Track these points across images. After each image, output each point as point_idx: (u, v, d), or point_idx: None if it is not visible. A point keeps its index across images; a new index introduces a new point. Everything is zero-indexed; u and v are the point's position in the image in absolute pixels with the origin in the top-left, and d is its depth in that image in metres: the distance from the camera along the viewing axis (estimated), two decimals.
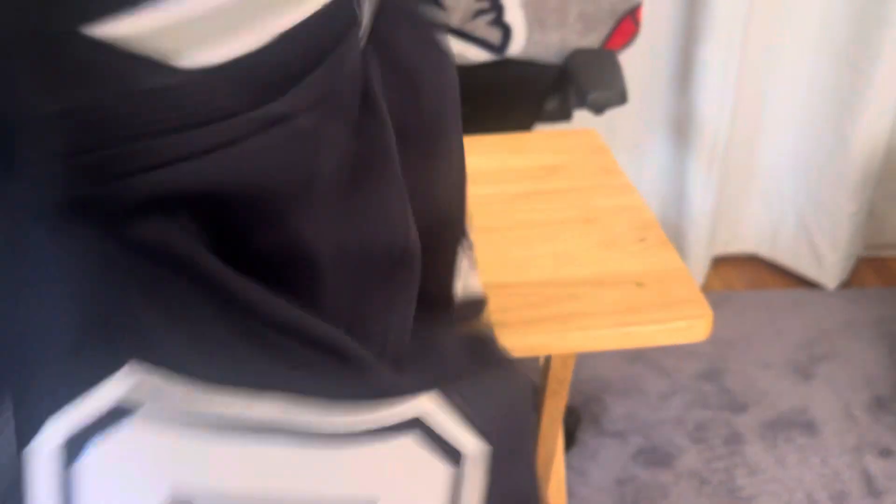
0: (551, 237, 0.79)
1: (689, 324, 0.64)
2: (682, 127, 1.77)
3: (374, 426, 0.37)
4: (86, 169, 0.31)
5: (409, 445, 0.38)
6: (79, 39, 0.29)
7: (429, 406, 0.39)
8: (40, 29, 0.28)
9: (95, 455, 0.31)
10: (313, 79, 0.34)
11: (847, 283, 1.89)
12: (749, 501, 1.38)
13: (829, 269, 1.84)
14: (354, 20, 0.37)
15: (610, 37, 1.32)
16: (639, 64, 1.64)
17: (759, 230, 1.92)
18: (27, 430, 0.32)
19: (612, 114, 1.35)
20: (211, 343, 0.35)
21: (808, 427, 1.52)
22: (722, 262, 1.95)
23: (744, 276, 1.94)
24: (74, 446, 0.31)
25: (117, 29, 0.29)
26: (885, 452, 1.45)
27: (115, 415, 0.32)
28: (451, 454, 0.40)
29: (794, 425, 1.52)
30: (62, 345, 0.32)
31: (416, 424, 0.39)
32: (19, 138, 0.30)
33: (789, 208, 1.86)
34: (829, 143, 1.73)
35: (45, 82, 0.29)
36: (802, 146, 1.79)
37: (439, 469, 0.39)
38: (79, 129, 0.30)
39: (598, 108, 1.20)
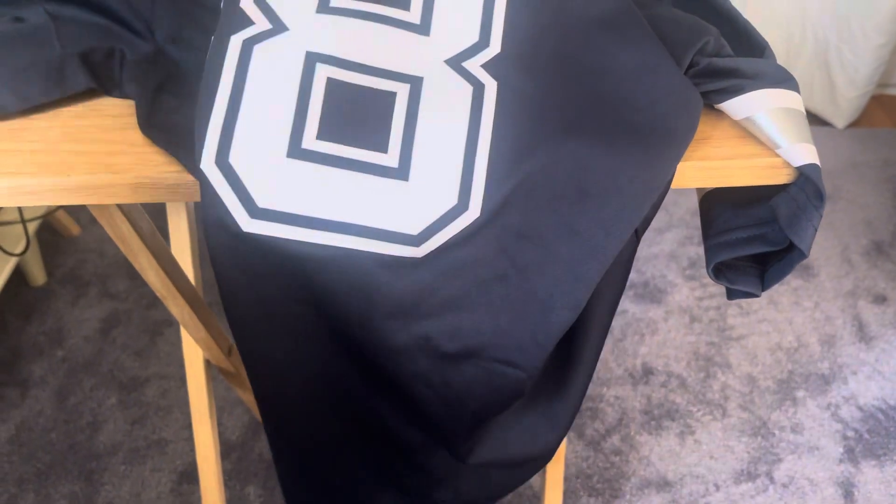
0: None
1: (772, 161, 0.53)
2: None
3: None
4: None
5: None
6: None
7: None
8: None
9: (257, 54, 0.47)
10: None
11: (856, 122, 1.79)
12: (738, 341, 1.35)
13: (842, 105, 1.73)
14: None
15: None
16: None
17: None
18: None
19: None
20: None
21: (805, 270, 1.47)
22: None
23: None
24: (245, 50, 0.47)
25: None
26: (879, 299, 1.42)
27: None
28: None
29: None
30: None
31: None
32: None
33: (809, 36, 1.71)
34: None
35: None
36: None
37: None
38: None
39: None
